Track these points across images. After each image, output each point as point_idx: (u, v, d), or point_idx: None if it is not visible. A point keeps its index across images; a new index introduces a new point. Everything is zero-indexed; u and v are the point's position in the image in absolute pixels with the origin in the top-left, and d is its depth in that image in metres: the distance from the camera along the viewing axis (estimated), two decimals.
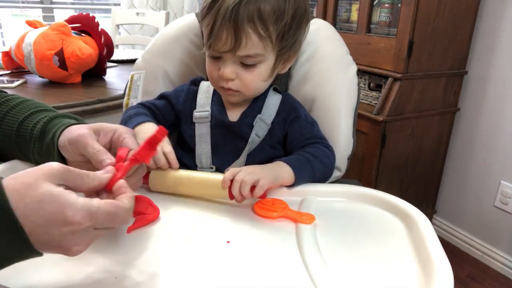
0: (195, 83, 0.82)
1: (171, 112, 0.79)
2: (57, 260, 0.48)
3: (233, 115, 0.76)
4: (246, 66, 0.68)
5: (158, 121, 0.77)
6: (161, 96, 0.81)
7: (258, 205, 0.62)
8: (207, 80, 0.80)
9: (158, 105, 0.79)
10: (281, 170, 0.67)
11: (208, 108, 0.77)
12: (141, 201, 0.59)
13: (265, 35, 0.65)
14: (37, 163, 0.61)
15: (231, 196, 0.62)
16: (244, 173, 0.62)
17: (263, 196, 0.63)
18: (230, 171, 0.63)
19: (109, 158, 0.52)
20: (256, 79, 0.70)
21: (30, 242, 0.37)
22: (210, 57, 0.70)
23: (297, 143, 0.75)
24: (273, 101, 0.77)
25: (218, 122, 0.76)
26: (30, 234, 0.37)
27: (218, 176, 0.63)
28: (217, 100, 0.78)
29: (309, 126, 0.76)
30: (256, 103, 0.77)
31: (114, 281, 0.45)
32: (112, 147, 0.57)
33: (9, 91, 1.15)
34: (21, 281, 0.44)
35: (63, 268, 0.47)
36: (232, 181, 0.61)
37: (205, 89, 0.80)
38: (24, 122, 0.63)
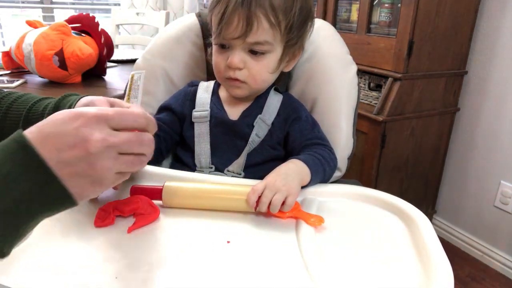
0: (193, 84, 0.82)
1: (175, 120, 0.79)
2: (57, 259, 0.48)
3: (233, 114, 0.76)
4: (255, 55, 0.69)
5: (166, 134, 0.77)
6: (161, 109, 0.81)
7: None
8: (205, 81, 0.81)
9: (161, 119, 0.78)
10: (303, 172, 0.64)
11: (208, 108, 0.77)
12: (141, 201, 0.59)
13: (275, 22, 0.67)
14: None
15: (255, 209, 0.59)
16: (270, 192, 0.58)
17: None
18: (253, 191, 0.58)
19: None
20: (263, 70, 0.71)
21: (47, 165, 0.37)
22: (217, 47, 0.71)
23: (298, 144, 0.75)
24: (274, 101, 0.77)
25: (218, 121, 0.76)
26: (44, 152, 0.36)
27: (240, 189, 0.60)
28: (216, 99, 0.78)
29: (310, 127, 0.76)
30: (257, 102, 0.77)
31: (114, 281, 0.45)
32: None
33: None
34: (20, 281, 0.44)
35: (63, 268, 0.47)
36: (258, 200, 0.58)
37: (204, 89, 0.80)
38: (32, 107, 0.64)
